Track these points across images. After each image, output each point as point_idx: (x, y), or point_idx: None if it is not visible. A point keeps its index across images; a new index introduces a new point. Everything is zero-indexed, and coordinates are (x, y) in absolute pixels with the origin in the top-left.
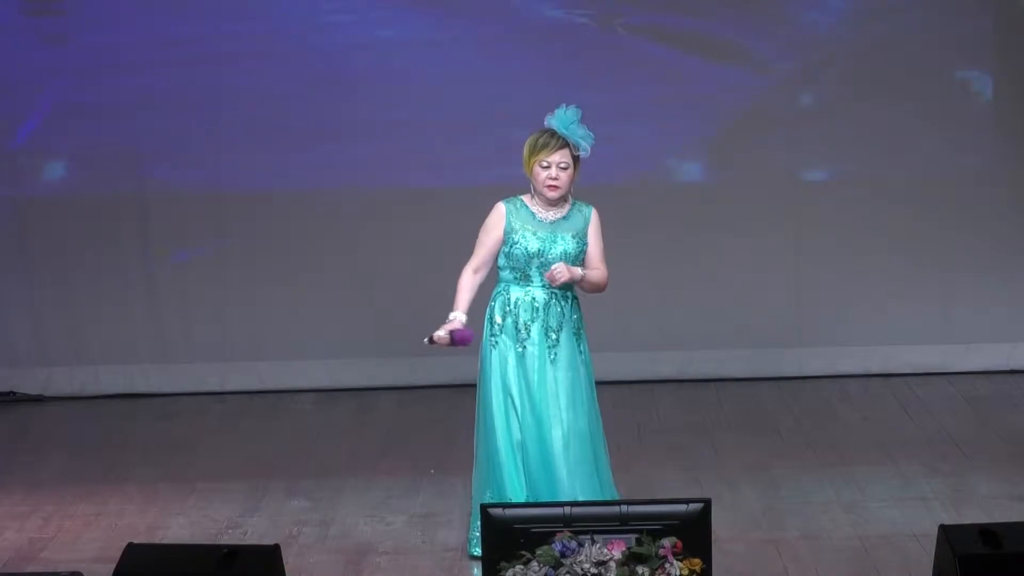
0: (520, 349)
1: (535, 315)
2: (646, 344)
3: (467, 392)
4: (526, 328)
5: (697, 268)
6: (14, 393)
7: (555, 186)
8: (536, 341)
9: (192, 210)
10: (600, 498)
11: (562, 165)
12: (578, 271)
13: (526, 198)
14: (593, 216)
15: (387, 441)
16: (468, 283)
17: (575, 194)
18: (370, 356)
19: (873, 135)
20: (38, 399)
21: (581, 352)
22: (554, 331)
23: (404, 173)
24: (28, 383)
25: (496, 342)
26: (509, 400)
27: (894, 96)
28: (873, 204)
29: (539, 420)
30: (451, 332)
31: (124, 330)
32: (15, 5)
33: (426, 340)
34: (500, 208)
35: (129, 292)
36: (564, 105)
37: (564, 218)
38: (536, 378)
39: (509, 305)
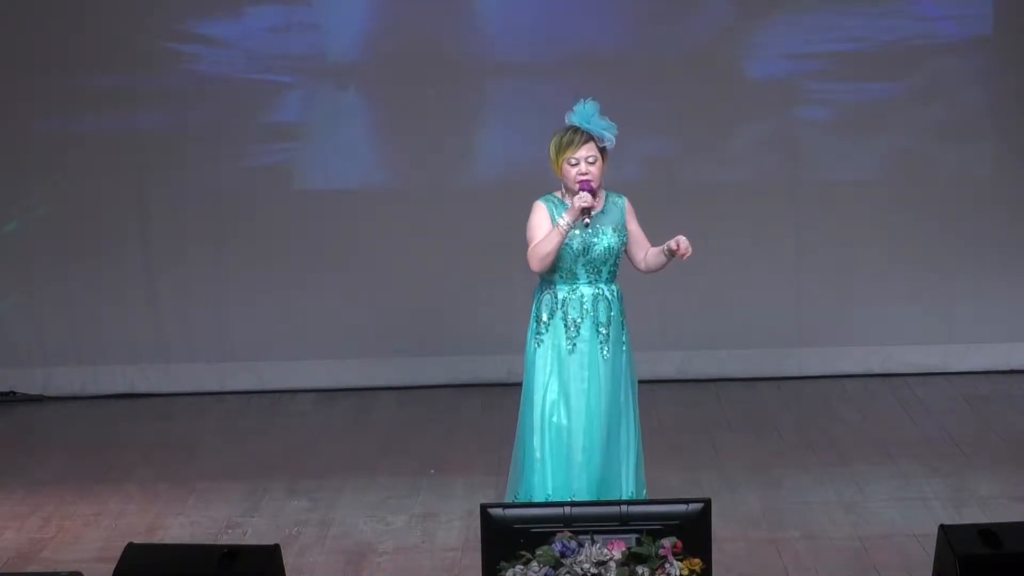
0: (571, 347)
1: (584, 313)
2: (646, 344)
3: (467, 392)
4: (575, 326)
5: (697, 268)
6: (14, 393)
7: (587, 180)
8: (587, 338)
9: (192, 210)
10: (638, 490)
11: (590, 159)
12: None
13: (559, 195)
14: (627, 204)
15: (387, 441)
16: None
17: (606, 185)
18: (370, 356)
19: (873, 136)
20: (38, 399)
21: (623, 342)
22: (604, 326)
23: (404, 173)
24: (28, 383)
25: (542, 340)
26: (558, 399)
27: (894, 96)
28: (873, 204)
29: (592, 416)
30: (579, 207)
31: (124, 330)
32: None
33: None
34: (541, 206)
35: (129, 292)
36: (582, 100)
37: (602, 212)
38: (588, 375)
39: (556, 303)
